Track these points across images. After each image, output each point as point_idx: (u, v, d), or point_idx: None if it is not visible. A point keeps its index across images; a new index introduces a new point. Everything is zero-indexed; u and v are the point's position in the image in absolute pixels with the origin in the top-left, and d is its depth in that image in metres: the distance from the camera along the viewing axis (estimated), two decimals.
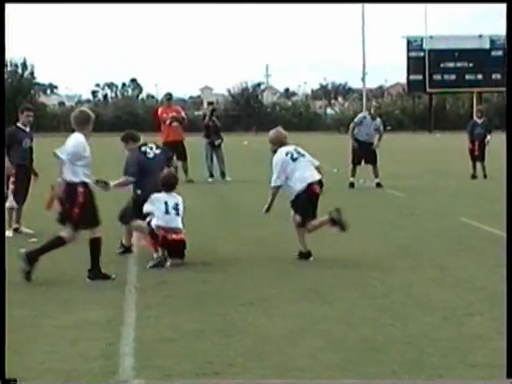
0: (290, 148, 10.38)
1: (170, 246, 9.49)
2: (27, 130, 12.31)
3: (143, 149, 10.65)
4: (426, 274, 9.14)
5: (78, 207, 8.82)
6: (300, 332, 6.72)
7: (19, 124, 12.28)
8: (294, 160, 10.18)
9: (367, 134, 19.45)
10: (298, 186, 10.11)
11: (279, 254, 10.29)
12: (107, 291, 8.33)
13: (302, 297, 8.00)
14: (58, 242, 9.12)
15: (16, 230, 12.17)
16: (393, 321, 7.04)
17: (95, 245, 9.03)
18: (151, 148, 10.74)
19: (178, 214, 9.66)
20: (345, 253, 10.53)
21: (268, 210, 10.43)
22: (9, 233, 11.95)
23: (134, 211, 10.52)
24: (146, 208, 9.79)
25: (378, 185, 19.21)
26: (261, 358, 6.03)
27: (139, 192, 10.49)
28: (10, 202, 12.10)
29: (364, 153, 19.37)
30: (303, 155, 10.34)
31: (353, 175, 19.42)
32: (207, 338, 6.55)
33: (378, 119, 19.75)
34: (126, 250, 10.69)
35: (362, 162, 19.53)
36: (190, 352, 6.17)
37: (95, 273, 8.93)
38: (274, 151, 10.41)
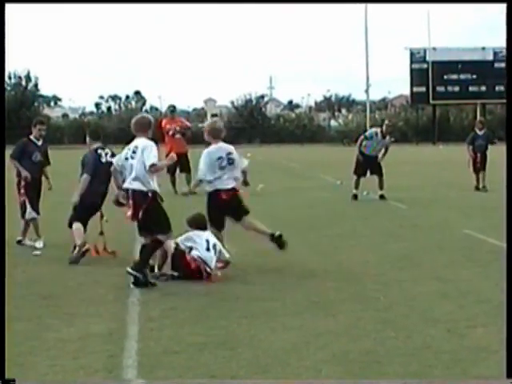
0: (223, 153, 10.38)
1: (196, 277, 9.44)
2: (39, 143, 12.38)
3: (99, 151, 11.31)
4: (429, 286, 9.12)
5: (143, 212, 9.09)
6: (303, 344, 6.70)
7: (32, 137, 12.37)
8: (222, 169, 10.27)
9: (374, 150, 19.42)
10: (208, 189, 10.33)
11: (282, 266, 10.27)
12: (109, 304, 8.31)
13: (305, 309, 7.98)
14: (156, 245, 9.36)
15: (19, 243, 12.18)
16: (396, 333, 7.02)
17: (150, 246, 9.27)
18: (106, 154, 11.35)
19: (215, 253, 9.64)
20: (347, 265, 10.52)
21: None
22: (39, 244, 12.05)
23: (74, 212, 11.18)
24: (183, 243, 9.74)
25: (382, 197, 19.18)
26: (264, 370, 6.01)
27: (77, 201, 11.03)
28: (29, 214, 12.17)
29: (369, 164, 19.36)
30: (231, 163, 10.35)
31: (356, 187, 19.38)
32: (210, 350, 6.54)
33: (388, 137, 19.71)
34: (81, 248, 10.92)
35: (368, 174, 19.51)
36: (193, 364, 6.16)
37: (137, 271, 9.11)
38: (209, 143, 10.56)
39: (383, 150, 19.57)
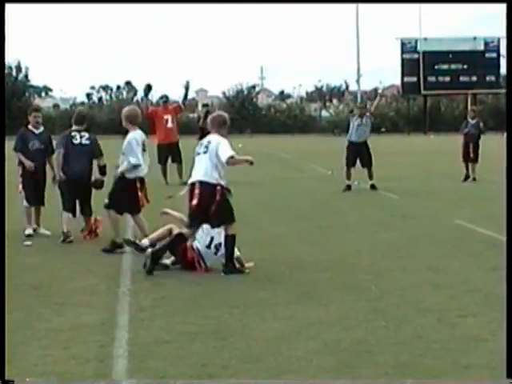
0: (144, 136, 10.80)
1: (189, 267, 9.42)
2: (37, 131, 12.36)
3: (73, 133, 11.63)
4: (421, 276, 9.13)
5: (216, 206, 9.19)
6: (294, 334, 6.71)
7: (29, 126, 12.37)
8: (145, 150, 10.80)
9: (360, 135, 19.37)
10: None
11: (273, 257, 10.28)
12: (100, 294, 8.30)
13: (296, 299, 7.98)
14: (181, 239, 9.41)
15: (34, 231, 12.23)
16: (387, 323, 7.02)
17: (229, 241, 9.32)
18: (81, 136, 11.65)
19: (216, 253, 9.51)
20: (338, 255, 10.52)
21: None
22: (29, 231, 12.12)
23: (62, 197, 11.74)
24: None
25: (373, 187, 19.17)
26: (255, 360, 6.02)
27: (63, 176, 11.57)
28: (22, 202, 12.34)
29: (358, 154, 19.33)
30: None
31: (348, 178, 19.30)
32: (201, 340, 6.53)
33: (371, 118, 19.80)
34: (66, 237, 11.43)
35: (358, 162, 19.47)
36: (184, 354, 6.16)
37: (230, 268, 9.25)
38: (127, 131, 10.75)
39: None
